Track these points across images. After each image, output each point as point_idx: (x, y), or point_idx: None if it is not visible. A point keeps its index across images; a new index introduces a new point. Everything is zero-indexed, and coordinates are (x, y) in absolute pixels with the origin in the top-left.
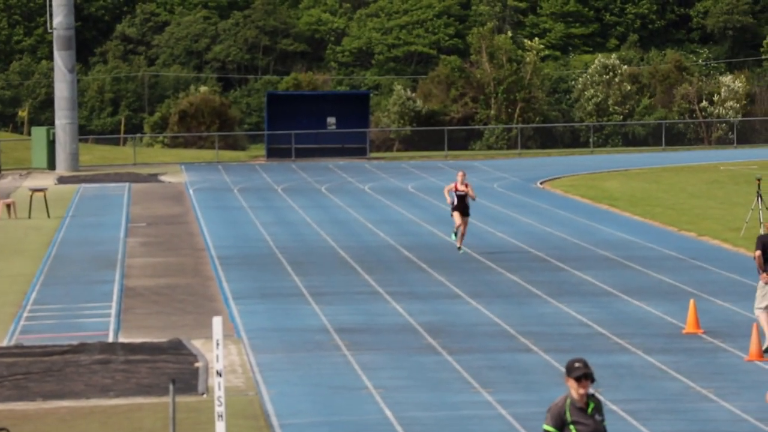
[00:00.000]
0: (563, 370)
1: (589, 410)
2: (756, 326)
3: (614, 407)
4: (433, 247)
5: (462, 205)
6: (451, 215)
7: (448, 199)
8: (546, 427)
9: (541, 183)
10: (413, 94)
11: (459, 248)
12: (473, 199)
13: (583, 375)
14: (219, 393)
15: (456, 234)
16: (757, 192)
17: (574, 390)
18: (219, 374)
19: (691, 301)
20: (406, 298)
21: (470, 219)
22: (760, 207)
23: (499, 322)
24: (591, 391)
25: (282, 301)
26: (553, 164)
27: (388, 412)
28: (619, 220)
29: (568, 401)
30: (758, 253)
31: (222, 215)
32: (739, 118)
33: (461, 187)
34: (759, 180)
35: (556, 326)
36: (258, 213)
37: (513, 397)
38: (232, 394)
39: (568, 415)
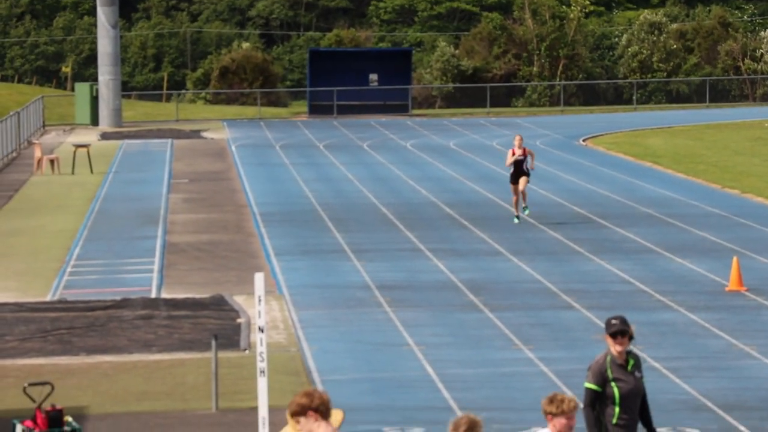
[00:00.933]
0: (604, 327)
1: (629, 367)
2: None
3: (656, 365)
4: (474, 204)
5: (519, 171)
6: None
7: (510, 159)
8: (588, 385)
9: (583, 140)
10: (456, 51)
11: (517, 217)
12: (532, 167)
13: (619, 331)
14: (261, 349)
15: (518, 217)
16: None
17: (611, 347)
18: (261, 330)
19: (735, 259)
20: (447, 255)
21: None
22: None
23: (541, 280)
24: (629, 347)
25: (323, 258)
26: (596, 121)
27: (430, 369)
28: (662, 177)
29: (609, 358)
30: None
31: (264, 172)
32: None
33: (519, 152)
34: None
35: (597, 283)
36: (300, 170)
37: (554, 354)
38: (273, 350)
39: (609, 372)
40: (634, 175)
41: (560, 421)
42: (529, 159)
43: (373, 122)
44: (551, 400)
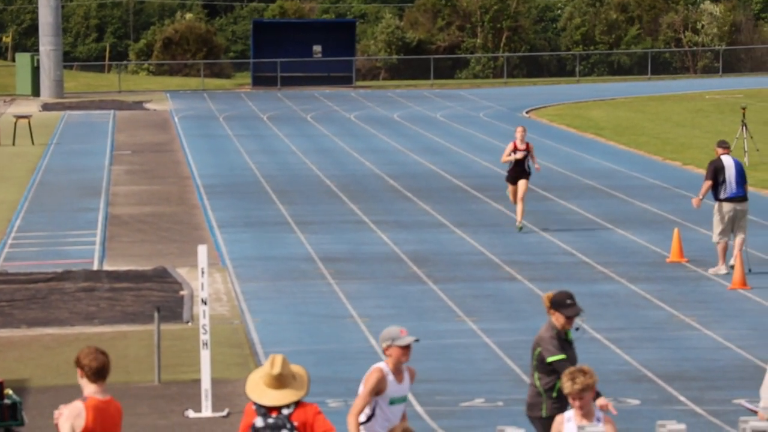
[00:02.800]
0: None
1: (568, 337)
2: (739, 254)
3: (598, 336)
4: (418, 176)
5: (519, 170)
6: (507, 188)
7: (507, 158)
8: (556, 357)
9: (527, 112)
10: (400, 23)
11: (519, 226)
12: (537, 169)
13: (576, 314)
14: (204, 321)
15: (521, 227)
16: (742, 121)
17: (560, 323)
18: (204, 302)
19: (676, 230)
20: (391, 227)
21: (458, 148)
22: (744, 136)
23: (484, 251)
24: None
25: (267, 230)
26: (539, 93)
27: (373, 341)
28: (604, 149)
29: (555, 332)
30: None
31: (207, 143)
32: (724, 47)
33: (521, 146)
34: (744, 109)
35: (540, 255)
36: (243, 141)
37: (497, 326)
38: (216, 322)
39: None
40: (577, 147)
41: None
42: (531, 155)
43: (317, 94)
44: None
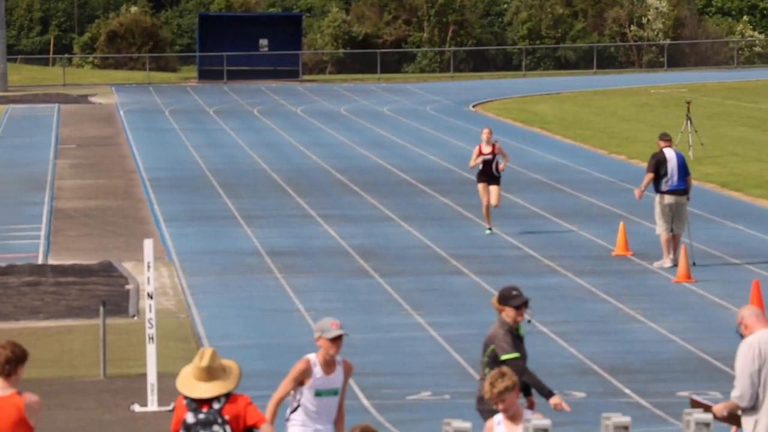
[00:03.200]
0: (494, 293)
1: (519, 333)
2: (684, 248)
3: (544, 329)
4: (365, 170)
5: (487, 172)
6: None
7: (475, 162)
8: (510, 356)
9: (473, 106)
10: (347, 17)
11: (489, 229)
12: (501, 169)
13: (524, 303)
14: (150, 315)
15: (491, 229)
16: (687, 115)
17: (510, 318)
18: (150, 296)
19: (621, 224)
20: (338, 220)
21: (405, 142)
22: (689, 130)
23: (431, 245)
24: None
25: (213, 224)
26: (486, 87)
27: None
28: (550, 143)
29: (508, 328)
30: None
31: (153, 137)
32: (669, 42)
33: (486, 149)
34: (689, 103)
35: (487, 249)
36: (189, 135)
37: (444, 320)
38: (163, 316)
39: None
40: (523, 141)
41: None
42: (500, 159)
43: (263, 88)
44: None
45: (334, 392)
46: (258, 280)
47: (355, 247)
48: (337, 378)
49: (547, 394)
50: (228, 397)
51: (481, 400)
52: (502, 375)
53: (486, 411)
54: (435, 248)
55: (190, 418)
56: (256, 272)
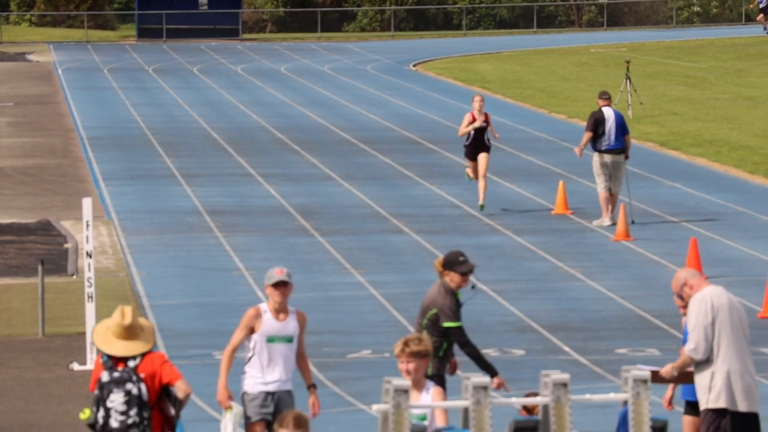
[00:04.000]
0: (435, 252)
1: (458, 298)
2: (623, 206)
3: (484, 287)
4: (305, 129)
5: (479, 142)
6: (466, 163)
7: (464, 131)
8: (454, 324)
9: (414, 65)
10: None
11: (481, 205)
12: (495, 138)
13: (471, 270)
14: (89, 274)
15: (482, 205)
16: (626, 74)
17: (455, 283)
18: (89, 255)
19: (561, 183)
20: (278, 180)
21: (345, 102)
22: (628, 89)
23: (372, 204)
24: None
25: (153, 183)
26: (426, 47)
27: (260, 294)
28: (490, 102)
29: (452, 294)
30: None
31: (92, 96)
32: (608, 1)
33: (480, 118)
34: (628, 62)
35: (427, 208)
36: (128, 94)
37: (384, 278)
38: (102, 275)
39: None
40: (464, 100)
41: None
42: (490, 128)
43: (203, 46)
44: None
45: (288, 339)
46: (198, 239)
47: (295, 206)
48: (289, 326)
49: (490, 371)
50: (144, 355)
51: None
52: (420, 340)
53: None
54: (375, 207)
55: (105, 376)
56: (195, 231)
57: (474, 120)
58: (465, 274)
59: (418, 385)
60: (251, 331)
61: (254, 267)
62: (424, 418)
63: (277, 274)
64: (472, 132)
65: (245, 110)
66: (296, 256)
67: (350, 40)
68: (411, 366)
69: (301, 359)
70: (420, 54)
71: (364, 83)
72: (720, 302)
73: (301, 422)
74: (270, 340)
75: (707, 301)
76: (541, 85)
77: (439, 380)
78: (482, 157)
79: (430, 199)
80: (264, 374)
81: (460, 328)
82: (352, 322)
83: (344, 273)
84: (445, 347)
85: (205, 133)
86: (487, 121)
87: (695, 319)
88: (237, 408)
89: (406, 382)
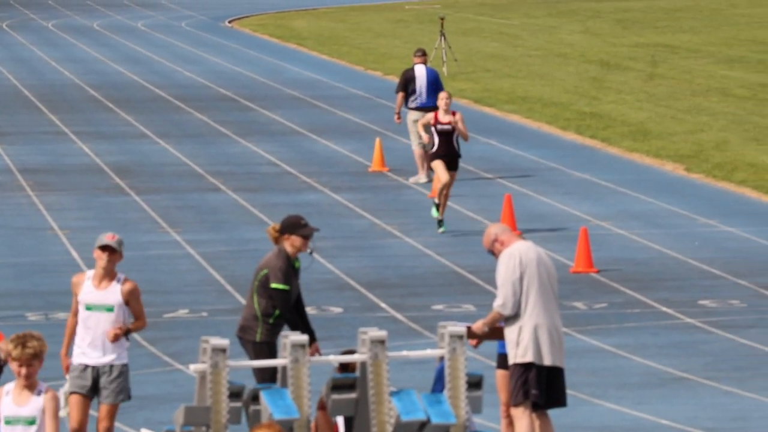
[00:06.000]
0: (253, 210)
1: (296, 266)
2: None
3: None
4: (120, 86)
5: (448, 149)
6: (429, 166)
7: (425, 138)
8: (281, 286)
9: (229, 22)
10: None
11: (440, 222)
12: (465, 140)
13: (312, 233)
14: None
15: (437, 206)
16: (441, 31)
17: (296, 246)
18: None
19: (377, 140)
20: (92, 137)
21: (160, 58)
22: (443, 46)
23: (188, 162)
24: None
25: None
26: (241, 3)
27: (75, 253)
28: (306, 59)
29: (286, 258)
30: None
31: None
32: None
33: (445, 119)
34: (442, 19)
35: (244, 166)
36: None
37: (202, 237)
38: None
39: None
40: (280, 57)
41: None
42: (459, 128)
43: (12, 1)
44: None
45: (108, 308)
46: (10, 197)
47: (110, 165)
48: (111, 295)
49: (311, 339)
50: None
51: (245, 329)
52: (34, 338)
53: (248, 341)
54: (192, 165)
55: None
56: (7, 190)
57: (437, 121)
58: (307, 237)
59: (31, 388)
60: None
61: (68, 226)
62: (33, 422)
63: (105, 238)
64: (436, 138)
65: (57, 67)
66: (111, 215)
67: None
68: (28, 370)
69: (135, 322)
70: (235, 10)
71: (178, 40)
72: (528, 257)
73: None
74: (88, 308)
75: (516, 257)
76: (357, 41)
77: (269, 348)
78: (451, 175)
79: (247, 156)
80: (84, 344)
81: (285, 292)
82: (169, 282)
83: (160, 232)
84: (276, 314)
85: (16, 90)
86: (452, 123)
87: (504, 274)
88: (67, 384)
89: (224, 341)
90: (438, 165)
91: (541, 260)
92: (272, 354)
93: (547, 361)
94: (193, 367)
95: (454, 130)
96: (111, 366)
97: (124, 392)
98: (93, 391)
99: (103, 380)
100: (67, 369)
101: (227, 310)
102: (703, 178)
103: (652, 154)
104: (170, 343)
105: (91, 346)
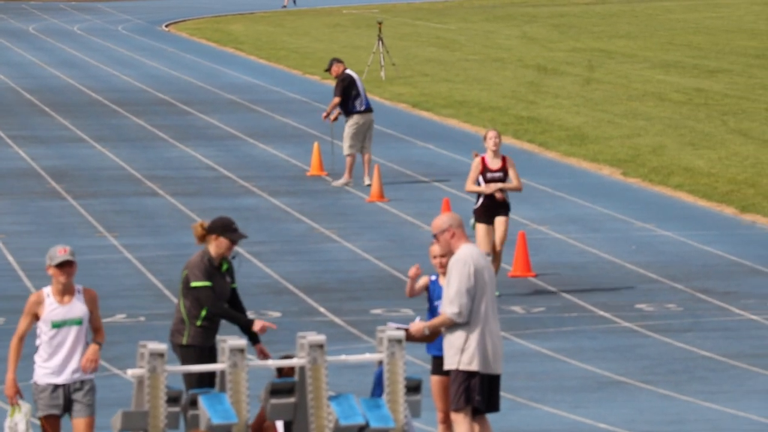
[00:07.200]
0: (190, 214)
1: (224, 268)
2: (377, 167)
3: (240, 249)
4: (56, 90)
5: (495, 205)
6: (473, 225)
7: (477, 189)
8: (201, 283)
9: (166, 26)
10: None
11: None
12: (519, 190)
13: (241, 239)
14: None
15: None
16: (378, 35)
17: (222, 248)
18: None
19: (315, 144)
20: (28, 142)
21: (97, 62)
22: (381, 50)
23: (125, 166)
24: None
25: None
26: (178, 6)
27: (11, 258)
28: (244, 63)
29: (207, 258)
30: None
31: None
32: None
33: (495, 164)
34: (380, 23)
35: (182, 170)
36: None
37: (139, 241)
38: None
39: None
40: (217, 61)
41: None
42: (510, 178)
43: None
44: None
45: (77, 322)
46: None
47: (46, 169)
48: (75, 307)
49: (246, 323)
50: None
51: (173, 333)
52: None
53: (177, 345)
54: (129, 169)
55: None
56: None
57: (486, 169)
58: (234, 242)
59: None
60: (36, 317)
61: (4, 231)
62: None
63: (60, 253)
64: (483, 186)
65: None
66: (48, 220)
67: (101, 0)
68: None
69: (97, 336)
70: (172, 14)
71: (115, 44)
72: (479, 265)
73: None
74: (55, 325)
75: (470, 264)
76: (294, 46)
77: (197, 352)
78: (499, 222)
79: (185, 161)
80: (52, 364)
81: (208, 288)
82: (106, 286)
83: (98, 236)
84: (203, 315)
85: None
86: (504, 167)
87: (458, 282)
88: (25, 407)
89: (162, 346)
90: (481, 229)
91: (487, 266)
92: (201, 359)
93: (491, 369)
94: (130, 371)
95: (505, 176)
96: (82, 381)
97: (94, 404)
98: (64, 410)
99: (78, 395)
100: (16, 394)
101: (165, 314)
102: (639, 183)
103: (589, 158)
104: (107, 347)
105: (62, 365)
